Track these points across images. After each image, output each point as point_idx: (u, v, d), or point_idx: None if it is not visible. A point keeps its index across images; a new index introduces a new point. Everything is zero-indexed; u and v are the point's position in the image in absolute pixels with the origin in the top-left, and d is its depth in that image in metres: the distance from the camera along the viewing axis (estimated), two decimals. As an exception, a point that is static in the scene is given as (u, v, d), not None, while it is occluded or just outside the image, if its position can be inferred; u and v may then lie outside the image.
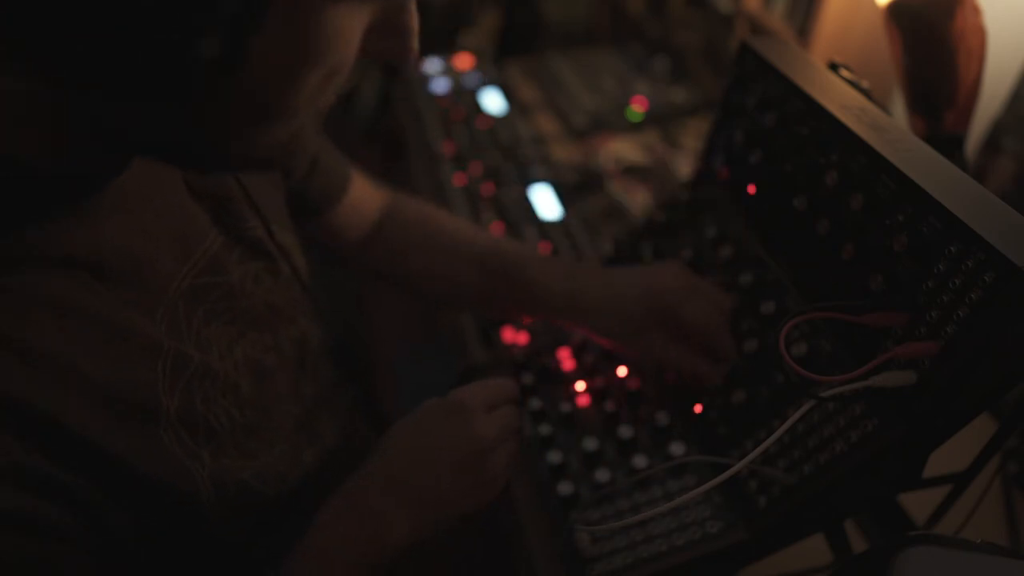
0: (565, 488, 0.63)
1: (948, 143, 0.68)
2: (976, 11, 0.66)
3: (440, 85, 1.32)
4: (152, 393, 0.45)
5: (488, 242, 0.77)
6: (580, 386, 0.73)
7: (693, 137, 1.24)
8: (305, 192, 0.72)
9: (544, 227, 1.01)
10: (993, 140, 0.90)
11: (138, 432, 0.43)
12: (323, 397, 0.65)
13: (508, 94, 1.30)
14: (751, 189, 0.68)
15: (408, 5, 0.40)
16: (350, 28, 0.37)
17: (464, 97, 1.29)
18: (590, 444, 0.66)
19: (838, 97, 0.60)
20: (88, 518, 0.40)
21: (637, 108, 1.28)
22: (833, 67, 0.65)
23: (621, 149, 1.21)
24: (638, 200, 1.09)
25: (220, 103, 0.36)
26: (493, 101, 1.28)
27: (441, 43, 1.75)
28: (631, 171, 1.16)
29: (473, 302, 0.80)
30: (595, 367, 0.74)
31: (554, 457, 0.66)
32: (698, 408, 0.67)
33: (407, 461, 0.55)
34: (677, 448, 0.64)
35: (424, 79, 1.34)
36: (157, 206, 0.47)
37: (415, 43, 0.41)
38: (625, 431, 0.66)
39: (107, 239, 0.43)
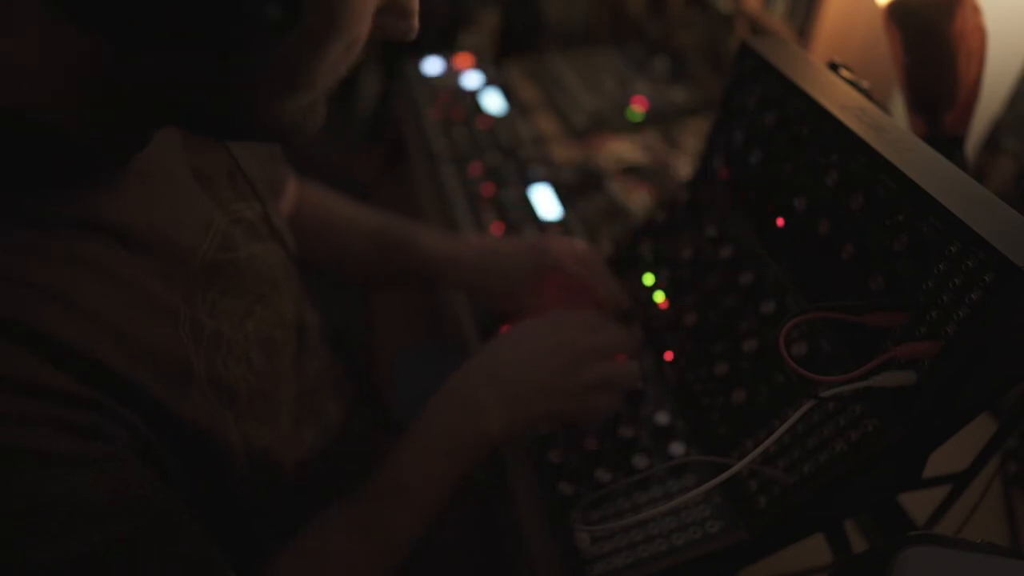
0: (565, 488, 0.63)
1: (948, 143, 0.68)
2: (976, 11, 0.65)
3: (440, 85, 1.32)
4: (183, 351, 0.46)
5: (380, 220, 0.87)
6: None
7: (693, 137, 1.24)
8: None
9: (544, 227, 1.01)
10: (993, 140, 0.90)
11: (176, 384, 0.45)
12: (322, 378, 0.67)
13: (508, 94, 1.30)
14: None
15: None
16: (370, 4, 0.39)
17: (464, 97, 1.29)
18: (590, 444, 0.66)
19: (838, 97, 0.60)
20: (152, 455, 0.42)
21: (637, 108, 1.28)
22: (833, 67, 0.65)
23: (621, 149, 1.21)
24: (638, 200, 1.09)
25: (258, 65, 0.38)
26: (493, 101, 1.28)
27: (441, 43, 1.75)
28: (631, 171, 1.16)
29: (371, 274, 0.90)
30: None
31: (554, 457, 0.66)
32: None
33: (511, 359, 0.63)
34: (677, 448, 0.65)
35: (424, 79, 1.34)
36: (173, 187, 0.49)
37: (416, 22, 0.44)
38: (625, 431, 0.66)
39: (131, 211, 0.44)
